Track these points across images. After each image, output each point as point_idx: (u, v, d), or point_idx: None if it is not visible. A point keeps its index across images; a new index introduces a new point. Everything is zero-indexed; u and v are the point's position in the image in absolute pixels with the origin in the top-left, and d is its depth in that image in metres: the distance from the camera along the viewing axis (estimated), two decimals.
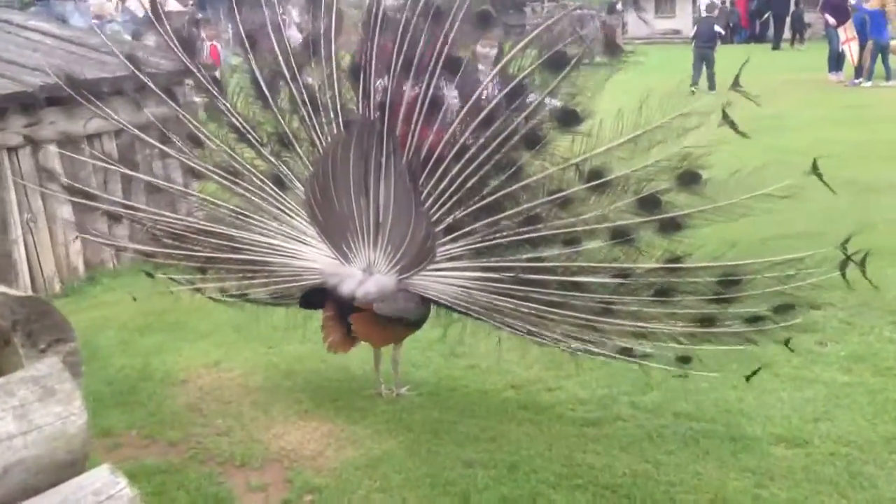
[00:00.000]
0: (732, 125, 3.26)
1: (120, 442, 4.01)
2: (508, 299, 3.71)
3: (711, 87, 15.77)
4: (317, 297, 3.97)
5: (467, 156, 3.62)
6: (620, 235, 3.51)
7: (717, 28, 17.66)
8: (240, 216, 4.06)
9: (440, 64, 3.62)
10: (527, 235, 3.65)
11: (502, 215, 3.65)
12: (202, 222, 4.10)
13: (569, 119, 3.49)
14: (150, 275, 4.35)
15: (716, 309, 3.55)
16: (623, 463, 3.62)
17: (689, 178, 3.34)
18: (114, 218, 4.50)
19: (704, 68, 16.44)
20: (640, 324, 3.63)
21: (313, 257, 3.94)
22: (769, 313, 3.49)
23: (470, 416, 4.04)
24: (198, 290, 4.34)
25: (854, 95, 15.32)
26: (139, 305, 5.76)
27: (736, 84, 3.34)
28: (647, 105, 3.29)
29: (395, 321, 3.90)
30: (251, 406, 4.26)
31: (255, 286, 4.18)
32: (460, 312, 3.89)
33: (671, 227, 3.44)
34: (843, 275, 3.35)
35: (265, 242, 4.00)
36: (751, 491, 3.40)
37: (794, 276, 3.37)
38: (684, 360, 3.70)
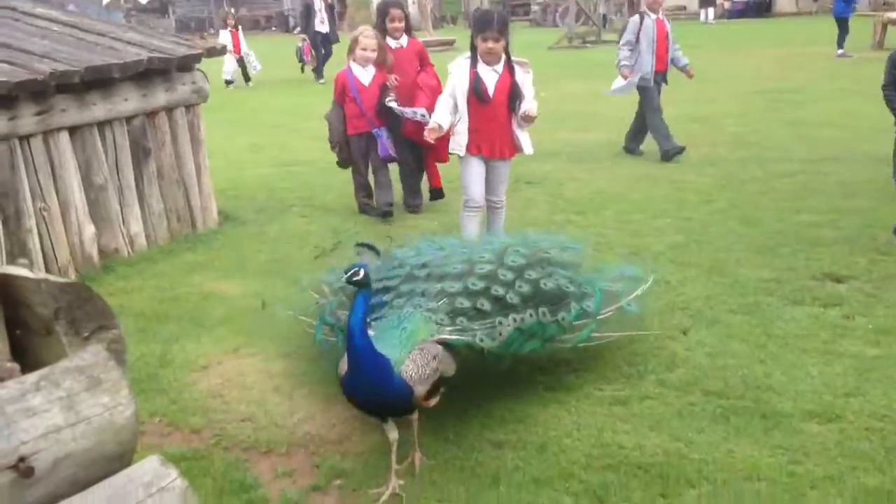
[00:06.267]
0: None
1: (142, 430, 3.96)
2: None
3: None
4: None
5: None
6: None
7: None
8: None
9: None
10: None
11: None
12: None
13: None
14: None
15: None
16: (653, 442, 3.59)
17: None
18: None
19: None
20: None
21: None
22: None
23: (496, 400, 3.99)
24: None
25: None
26: (155, 293, 5.72)
27: None
28: None
29: None
30: (274, 392, 4.23)
31: None
32: None
33: None
34: None
35: None
36: (786, 468, 3.35)
37: None
38: None
